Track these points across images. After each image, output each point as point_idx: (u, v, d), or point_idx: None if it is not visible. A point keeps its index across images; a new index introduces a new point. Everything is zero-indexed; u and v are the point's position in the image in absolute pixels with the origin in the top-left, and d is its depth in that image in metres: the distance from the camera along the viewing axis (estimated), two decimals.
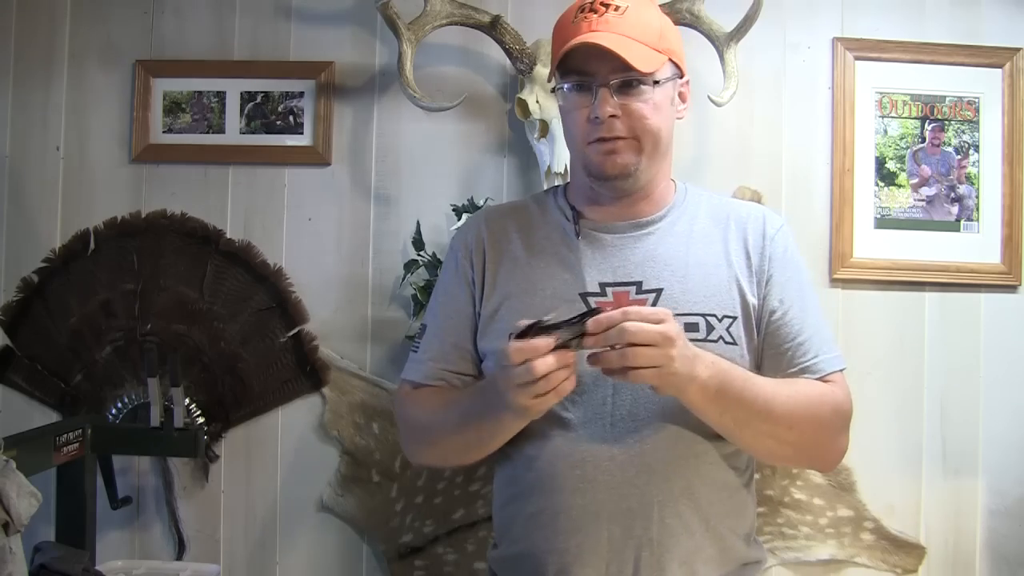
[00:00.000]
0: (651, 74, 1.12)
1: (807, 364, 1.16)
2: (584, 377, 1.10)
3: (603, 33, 1.11)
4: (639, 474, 1.10)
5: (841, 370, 1.19)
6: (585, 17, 1.13)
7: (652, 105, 1.14)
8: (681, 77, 1.20)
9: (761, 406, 1.08)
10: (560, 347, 0.98)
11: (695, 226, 1.22)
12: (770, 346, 1.18)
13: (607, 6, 1.13)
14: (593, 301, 1.15)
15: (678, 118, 1.20)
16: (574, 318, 0.99)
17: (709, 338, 1.12)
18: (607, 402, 1.12)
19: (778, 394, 1.10)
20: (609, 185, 1.18)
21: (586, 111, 1.14)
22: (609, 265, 1.18)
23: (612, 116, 1.12)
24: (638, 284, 1.16)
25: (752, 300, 1.17)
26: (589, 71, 1.13)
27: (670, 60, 1.17)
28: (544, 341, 0.97)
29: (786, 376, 1.16)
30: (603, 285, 1.16)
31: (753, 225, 1.21)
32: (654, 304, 1.14)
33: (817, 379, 1.16)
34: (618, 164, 1.15)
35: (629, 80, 1.12)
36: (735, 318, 1.15)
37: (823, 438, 1.17)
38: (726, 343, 1.13)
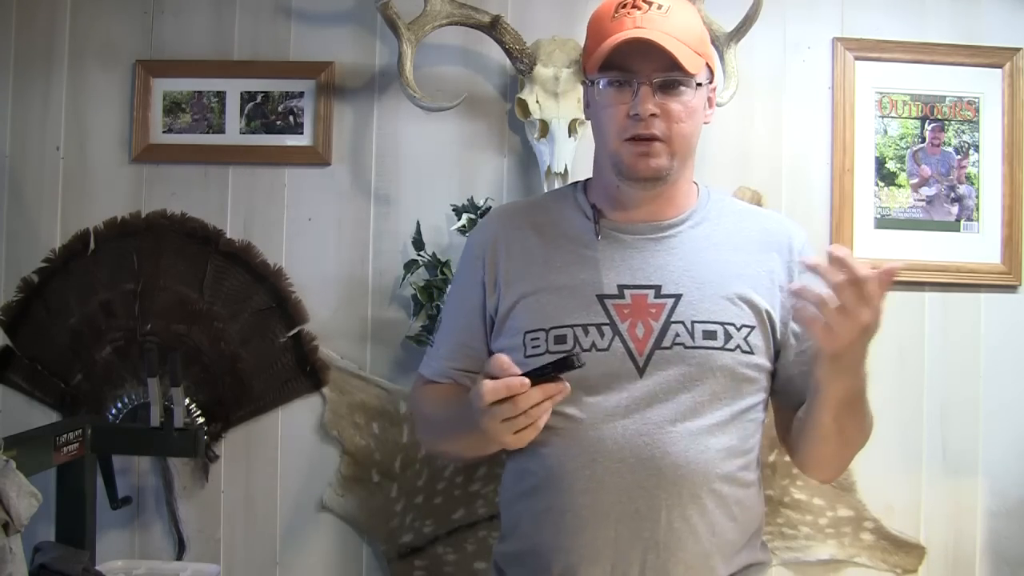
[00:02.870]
0: (695, 75, 1.12)
1: None
2: (597, 379, 1.10)
3: (651, 30, 1.10)
4: (649, 476, 1.09)
5: None
6: (628, 13, 1.12)
7: (689, 108, 1.13)
8: (711, 83, 1.20)
9: (866, 412, 1.11)
10: (540, 379, 0.97)
11: (717, 232, 1.21)
12: (801, 363, 1.17)
13: (650, 4, 1.12)
14: (611, 304, 1.14)
15: (705, 123, 1.19)
16: (548, 367, 0.97)
17: (727, 347, 1.12)
18: (620, 403, 1.11)
19: (868, 406, 1.12)
20: (638, 185, 1.17)
21: (624, 107, 1.12)
22: (628, 267, 1.17)
23: (652, 115, 1.11)
24: (657, 288, 1.15)
25: (772, 311, 1.16)
26: (631, 67, 1.12)
27: (706, 66, 1.16)
28: (519, 380, 0.96)
29: None
30: (621, 287, 1.15)
31: (779, 238, 1.21)
32: (672, 310, 1.13)
33: None
34: (651, 166, 1.14)
35: (671, 80, 1.11)
36: (753, 327, 1.15)
37: (860, 449, 1.19)
38: (743, 351, 1.13)
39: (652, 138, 1.12)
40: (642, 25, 1.11)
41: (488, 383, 0.97)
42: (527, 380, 0.97)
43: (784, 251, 1.20)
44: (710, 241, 1.19)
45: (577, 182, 1.31)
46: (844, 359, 1.01)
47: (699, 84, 1.14)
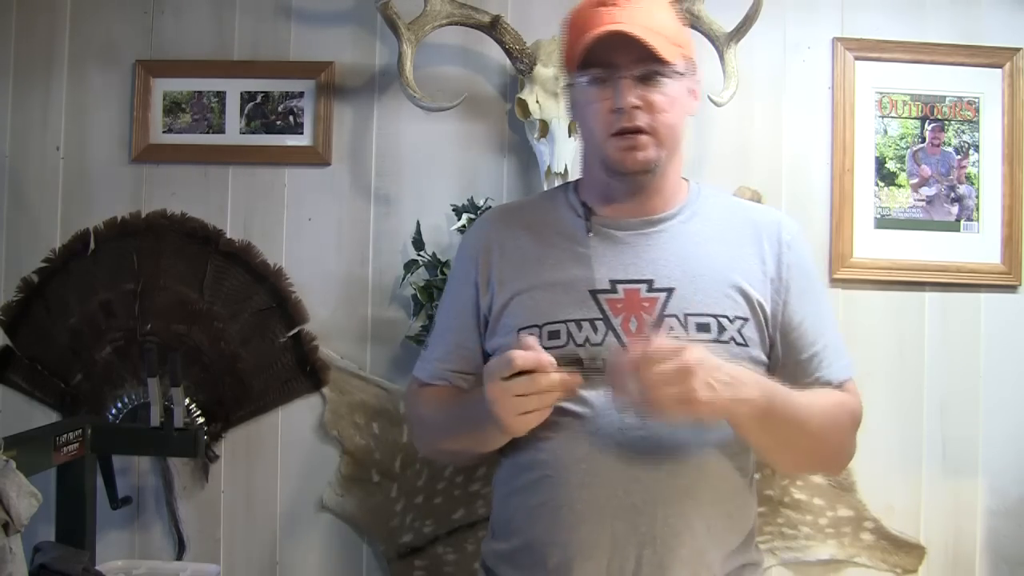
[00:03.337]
0: (673, 64, 1.12)
1: (822, 374, 1.18)
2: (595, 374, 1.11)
3: (625, 23, 1.10)
4: (645, 471, 1.09)
5: (851, 377, 1.21)
6: (601, 11, 1.13)
7: (670, 98, 1.13)
8: (692, 73, 1.20)
9: (801, 423, 1.09)
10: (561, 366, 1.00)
11: (708, 226, 1.21)
12: (787, 356, 1.18)
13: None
14: (604, 298, 1.14)
15: (689, 114, 1.20)
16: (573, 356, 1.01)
17: (720, 339, 1.12)
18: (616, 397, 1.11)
19: (812, 407, 1.11)
20: (628, 180, 1.17)
21: (607, 103, 1.13)
22: (620, 262, 1.17)
23: (635, 107, 1.12)
24: (649, 282, 1.15)
25: (764, 302, 1.16)
26: (610, 63, 1.12)
27: (684, 56, 1.17)
28: (548, 357, 0.99)
29: (804, 386, 1.16)
30: (614, 282, 1.15)
31: (769, 230, 1.21)
32: (665, 303, 1.13)
33: (833, 388, 1.18)
34: (639, 159, 1.14)
35: (650, 72, 1.12)
36: (746, 319, 1.15)
37: (843, 448, 1.19)
38: (737, 344, 1.13)
39: (637, 131, 1.13)
40: (617, 20, 1.11)
41: (519, 352, 1.00)
42: (554, 360, 0.99)
43: (774, 243, 1.20)
44: (702, 235, 1.20)
45: (568, 182, 1.32)
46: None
47: (678, 73, 1.14)
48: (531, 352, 1.00)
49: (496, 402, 1.01)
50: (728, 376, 1.01)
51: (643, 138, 1.13)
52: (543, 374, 0.99)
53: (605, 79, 1.13)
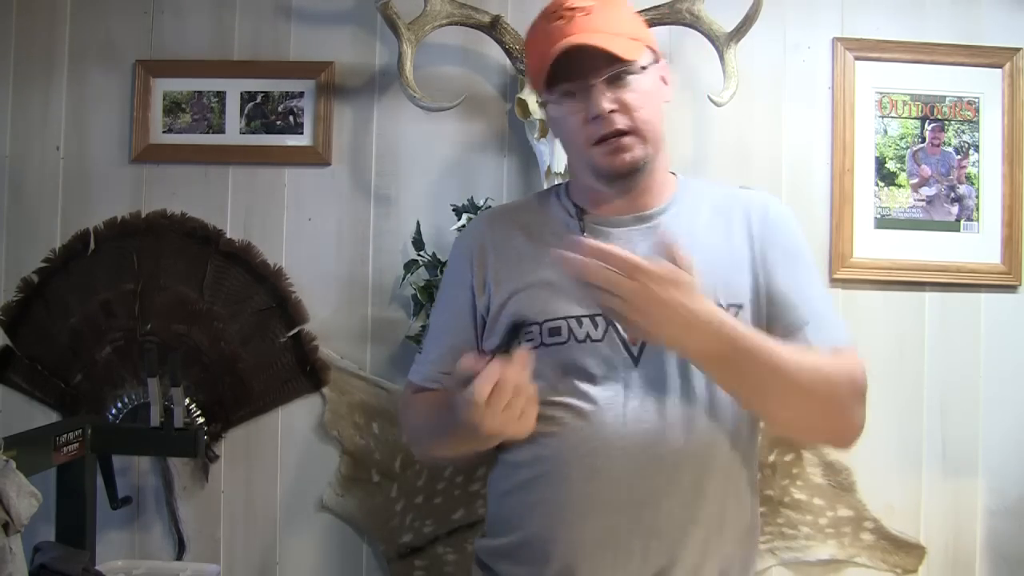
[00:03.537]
0: (636, 61, 1.13)
1: (814, 342, 1.14)
2: (593, 369, 1.11)
3: (579, 34, 1.12)
4: (648, 463, 1.10)
5: (848, 345, 1.17)
6: (556, 27, 1.14)
7: (643, 94, 1.15)
8: (657, 62, 1.20)
9: (781, 374, 1.05)
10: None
11: (699, 218, 1.21)
12: (778, 328, 1.16)
13: (573, 10, 1.14)
14: None
15: (666, 101, 1.21)
16: (505, 341, 1.00)
17: None
18: (619, 393, 1.11)
19: (800, 363, 1.06)
20: (619, 183, 1.18)
21: (583, 114, 1.14)
22: None
23: (612, 111, 1.13)
24: None
25: (756, 285, 1.17)
26: (577, 75, 1.13)
27: (647, 47, 1.17)
28: (502, 359, 0.97)
29: None
30: None
31: (757, 214, 1.21)
32: None
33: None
34: (627, 161, 1.15)
35: (617, 74, 1.13)
36: (741, 306, 1.15)
37: (845, 413, 1.13)
38: None
39: (619, 133, 1.14)
40: (571, 32, 1.12)
41: (482, 375, 0.97)
42: (505, 357, 0.98)
43: (760, 223, 1.20)
44: (693, 227, 1.20)
45: (558, 184, 1.33)
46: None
47: (644, 67, 1.15)
48: (489, 368, 0.98)
49: (492, 429, 1.00)
50: (690, 314, 0.98)
51: (626, 139, 1.14)
52: (510, 375, 0.98)
53: (575, 91, 1.14)
